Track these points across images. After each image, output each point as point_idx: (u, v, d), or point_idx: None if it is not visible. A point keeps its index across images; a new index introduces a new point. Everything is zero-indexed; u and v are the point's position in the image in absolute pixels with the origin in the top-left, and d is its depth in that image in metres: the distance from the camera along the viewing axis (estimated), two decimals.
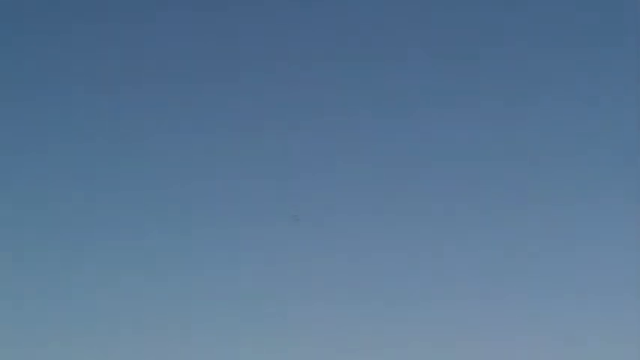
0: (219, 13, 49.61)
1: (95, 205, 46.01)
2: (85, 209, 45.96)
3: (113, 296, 43.68)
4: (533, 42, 48.52)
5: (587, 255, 44.23)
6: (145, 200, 47.49)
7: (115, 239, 45.86)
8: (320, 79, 48.91)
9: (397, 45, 48.52)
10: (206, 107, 48.55)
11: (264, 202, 47.31)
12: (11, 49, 48.22)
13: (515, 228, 45.52)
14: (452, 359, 41.21)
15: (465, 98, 47.85)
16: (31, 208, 45.44)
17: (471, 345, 41.73)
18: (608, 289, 42.99)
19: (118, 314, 43.33)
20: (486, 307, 43.17)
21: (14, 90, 47.71)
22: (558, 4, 48.29)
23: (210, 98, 48.63)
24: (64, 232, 45.24)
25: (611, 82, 47.78)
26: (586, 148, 47.00)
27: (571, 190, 45.81)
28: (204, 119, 49.04)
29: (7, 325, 41.57)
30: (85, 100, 48.10)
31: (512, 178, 46.59)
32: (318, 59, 48.77)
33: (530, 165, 46.81)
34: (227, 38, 49.57)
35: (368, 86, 48.18)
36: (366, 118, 47.81)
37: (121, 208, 46.44)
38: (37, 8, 48.48)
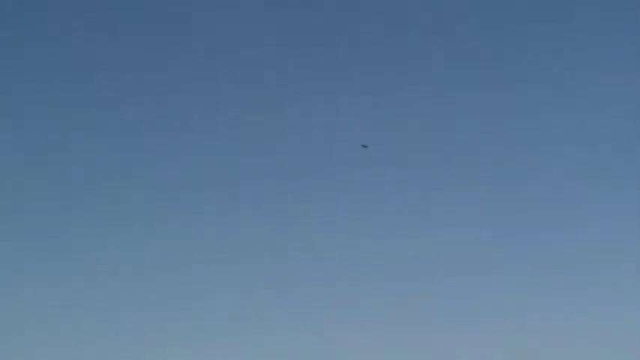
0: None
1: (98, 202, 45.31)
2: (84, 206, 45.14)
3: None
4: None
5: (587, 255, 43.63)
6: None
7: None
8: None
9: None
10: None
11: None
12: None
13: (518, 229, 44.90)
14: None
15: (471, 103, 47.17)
16: (30, 205, 44.71)
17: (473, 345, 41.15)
18: (609, 289, 42.36)
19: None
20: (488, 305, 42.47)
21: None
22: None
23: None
24: (66, 231, 44.48)
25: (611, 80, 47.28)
26: (586, 150, 46.45)
27: (573, 191, 45.28)
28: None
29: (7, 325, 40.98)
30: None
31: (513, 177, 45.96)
32: None
33: (529, 166, 46.30)
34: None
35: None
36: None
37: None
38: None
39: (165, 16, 49.87)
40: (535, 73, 48.19)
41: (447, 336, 41.48)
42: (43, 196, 45.49)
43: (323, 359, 40.99)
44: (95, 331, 41.63)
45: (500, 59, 48.29)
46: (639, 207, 43.99)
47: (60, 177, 46.40)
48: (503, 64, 48.20)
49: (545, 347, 40.77)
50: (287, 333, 41.55)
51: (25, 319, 41.77)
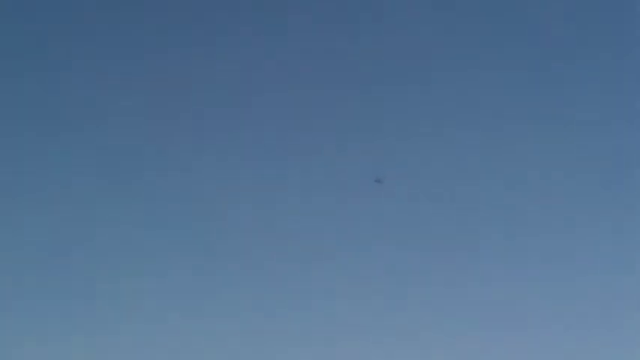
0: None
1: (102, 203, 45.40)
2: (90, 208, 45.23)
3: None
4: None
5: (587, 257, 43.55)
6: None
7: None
8: None
9: None
10: None
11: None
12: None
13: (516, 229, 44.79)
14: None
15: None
16: (36, 209, 44.93)
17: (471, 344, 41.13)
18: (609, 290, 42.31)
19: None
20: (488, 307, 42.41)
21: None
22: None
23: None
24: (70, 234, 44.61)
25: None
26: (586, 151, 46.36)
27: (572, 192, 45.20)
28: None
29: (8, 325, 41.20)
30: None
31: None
32: None
33: (528, 165, 46.19)
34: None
35: None
36: None
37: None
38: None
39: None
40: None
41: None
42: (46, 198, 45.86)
43: None
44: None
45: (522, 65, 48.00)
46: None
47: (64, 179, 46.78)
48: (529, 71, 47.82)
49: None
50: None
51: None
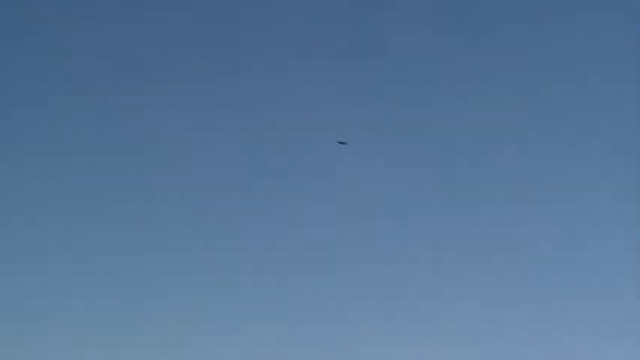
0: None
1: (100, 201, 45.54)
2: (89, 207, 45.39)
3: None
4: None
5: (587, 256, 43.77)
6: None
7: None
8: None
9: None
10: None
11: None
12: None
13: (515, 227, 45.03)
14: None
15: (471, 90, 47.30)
16: (36, 207, 45.06)
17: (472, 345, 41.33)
18: (609, 289, 42.55)
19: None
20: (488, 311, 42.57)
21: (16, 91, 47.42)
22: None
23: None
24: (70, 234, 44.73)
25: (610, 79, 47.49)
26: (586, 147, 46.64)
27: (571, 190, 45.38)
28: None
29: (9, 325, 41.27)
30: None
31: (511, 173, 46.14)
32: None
33: (530, 163, 46.40)
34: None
35: None
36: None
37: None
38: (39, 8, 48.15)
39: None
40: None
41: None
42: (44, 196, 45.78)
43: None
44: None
45: (493, 62, 48.38)
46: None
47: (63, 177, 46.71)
48: (499, 66, 48.22)
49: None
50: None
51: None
